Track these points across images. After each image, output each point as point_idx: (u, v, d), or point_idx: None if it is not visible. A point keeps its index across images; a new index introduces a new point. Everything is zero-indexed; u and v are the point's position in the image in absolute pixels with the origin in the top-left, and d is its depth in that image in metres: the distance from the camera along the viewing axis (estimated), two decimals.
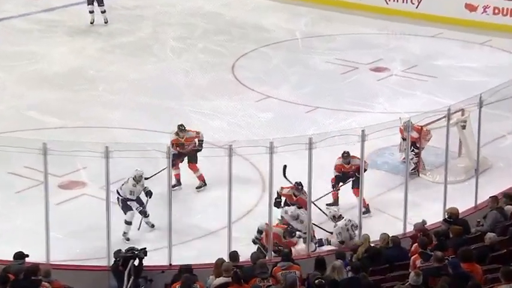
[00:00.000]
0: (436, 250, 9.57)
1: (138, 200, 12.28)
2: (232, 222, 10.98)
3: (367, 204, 12.68)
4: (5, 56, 19.02)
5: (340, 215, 11.78)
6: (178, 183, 13.35)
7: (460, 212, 11.18)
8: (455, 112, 13.31)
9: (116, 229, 11.00)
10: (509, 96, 13.34)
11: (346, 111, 16.36)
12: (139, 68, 18.54)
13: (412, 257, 9.85)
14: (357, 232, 11.49)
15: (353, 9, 22.60)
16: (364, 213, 12.04)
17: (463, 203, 12.01)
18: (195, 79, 18.09)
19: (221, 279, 9.40)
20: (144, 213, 12.30)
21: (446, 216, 10.99)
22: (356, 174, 12.63)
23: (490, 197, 11.41)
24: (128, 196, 12.19)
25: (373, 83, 18.11)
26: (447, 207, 11.47)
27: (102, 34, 20.57)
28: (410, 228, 11.46)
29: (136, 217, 12.24)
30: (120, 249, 10.48)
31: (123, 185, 12.27)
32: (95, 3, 20.77)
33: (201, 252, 11.43)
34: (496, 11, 21.30)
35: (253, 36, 20.79)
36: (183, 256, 10.89)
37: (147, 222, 12.38)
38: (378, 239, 10.54)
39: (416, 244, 10.21)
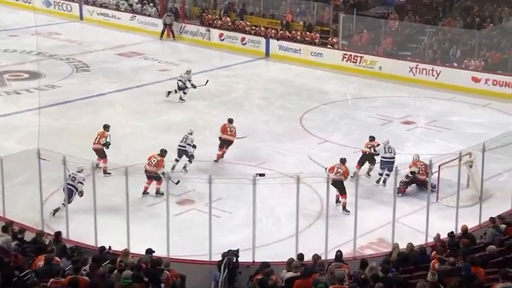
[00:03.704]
0: (450, 257, 9.35)
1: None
2: (299, 231, 10.95)
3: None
4: (143, 111, 19.25)
5: None
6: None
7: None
8: (465, 155, 13.05)
9: (216, 234, 11.02)
10: (505, 144, 13.05)
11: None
12: (234, 119, 18.58)
13: (432, 261, 9.63)
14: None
15: (389, 79, 22.40)
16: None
17: (470, 222, 11.68)
18: (274, 127, 18.17)
19: (291, 274, 9.36)
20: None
21: (449, 232, 10.76)
22: None
23: (489, 218, 11.13)
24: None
25: (403, 132, 17.85)
26: (459, 225, 11.23)
27: (208, 95, 20.86)
28: (430, 240, 11.23)
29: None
30: (228, 250, 10.45)
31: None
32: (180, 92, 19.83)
33: (276, 253, 11.37)
34: (495, 82, 20.87)
35: (316, 97, 20.77)
36: (263, 255, 10.88)
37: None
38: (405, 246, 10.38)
39: (435, 251, 9.99)
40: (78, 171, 12.86)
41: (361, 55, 23.46)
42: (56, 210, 12.61)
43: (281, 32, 25.71)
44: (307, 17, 26.77)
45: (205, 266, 10.77)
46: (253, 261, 10.76)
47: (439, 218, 12.50)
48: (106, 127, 15.13)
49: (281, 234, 12.25)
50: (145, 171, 13.61)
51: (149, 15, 29.09)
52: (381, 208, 12.93)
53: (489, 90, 20.75)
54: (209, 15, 28.01)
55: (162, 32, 27.70)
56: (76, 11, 30.69)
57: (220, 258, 10.43)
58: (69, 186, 12.61)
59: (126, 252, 9.97)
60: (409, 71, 22.33)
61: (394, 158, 14.50)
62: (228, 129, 16.03)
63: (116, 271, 9.07)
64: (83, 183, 12.83)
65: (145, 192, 13.80)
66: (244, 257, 10.78)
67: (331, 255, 10.38)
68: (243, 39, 26.18)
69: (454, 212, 11.85)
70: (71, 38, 27.25)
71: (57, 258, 9.44)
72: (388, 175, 14.19)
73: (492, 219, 10.97)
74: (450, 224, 11.66)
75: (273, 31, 25.88)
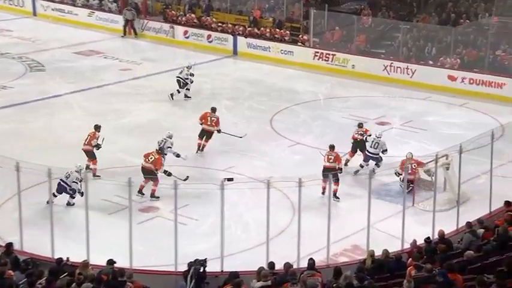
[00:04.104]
0: (427, 263, 9.48)
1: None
2: (270, 239, 10.98)
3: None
4: (102, 113, 19.08)
5: None
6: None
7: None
8: (441, 157, 13.26)
9: (182, 243, 10.99)
10: (482, 145, 13.27)
11: (357, 155, 16.29)
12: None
13: (408, 268, 9.75)
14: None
15: (362, 78, 22.63)
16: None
17: (447, 226, 11.85)
18: (242, 129, 18.14)
19: (262, 283, 9.39)
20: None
21: (426, 237, 10.92)
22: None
23: (466, 223, 11.32)
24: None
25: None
26: (436, 230, 11.39)
27: (174, 95, 20.81)
28: (406, 246, 11.36)
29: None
30: (195, 260, 10.48)
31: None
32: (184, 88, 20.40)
33: (245, 262, 11.39)
34: (471, 81, 21.20)
35: (286, 97, 20.87)
36: (232, 265, 10.89)
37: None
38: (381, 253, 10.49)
39: (411, 258, 10.12)
40: (76, 171, 13.32)
41: (333, 53, 23.65)
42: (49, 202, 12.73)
43: (249, 29, 25.76)
44: (277, 13, 26.87)
45: (170, 277, 10.73)
46: (222, 271, 10.76)
47: (416, 223, 12.68)
48: (97, 128, 15.26)
49: (251, 242, 12.28)
50: (142, 168, 13.90)
51: (109, 11, 28.86)
52: (355, 213, 13.03)
53: (465, 89, 21.10)
54: (173, 11, 27.91)
55: (124, 28, 27.53)
56: (29, 6, 30.27)
57: (186, 268, 10.40)
58: (62, 183, 13.03)
59: (85, 264, 9.89)
60: (383, 70, 22.58)
61: (378, 154, 15.17)
62: (209, 118, 16.29)
63: (74, 284, 8.98)
64: (77, 183, 13.24)
65: (140, 192, 13.95)
66: (212, 267, 10.76)
67: (304, 264, 10.44)
68: (209, 36, 26.17)
69: (431, 217, 12.01)
70: (24, 35, 26.89)
71: (10, 271, 9.30)
72: (378, 165, 15.07)
73: (469, 224, 11.16)
74: (427, 229, 11.82)
75: (240, 28, 25.91)
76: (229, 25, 26.24)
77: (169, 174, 14.01)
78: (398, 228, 11.80)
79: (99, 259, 10.38)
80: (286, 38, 25.02)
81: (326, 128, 18.35)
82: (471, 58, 22.03)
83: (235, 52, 25.54)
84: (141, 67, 23.74)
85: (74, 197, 13.41)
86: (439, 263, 9.58)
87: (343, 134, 17.66)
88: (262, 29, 25.60)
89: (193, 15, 27.37)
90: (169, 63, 24.12)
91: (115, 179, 11.11)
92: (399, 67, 22.37)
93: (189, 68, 20.32)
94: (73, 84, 21.60)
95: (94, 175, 14.67)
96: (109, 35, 27.57)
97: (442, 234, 10.91)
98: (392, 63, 22.52)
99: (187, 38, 26.64)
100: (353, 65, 23.21)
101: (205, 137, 16.24)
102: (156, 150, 14.41)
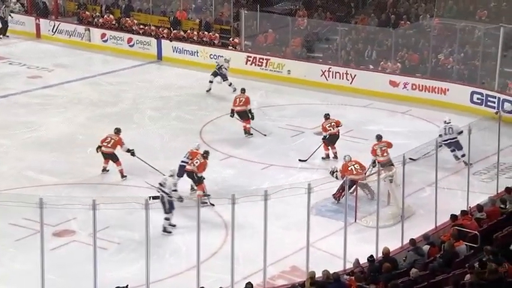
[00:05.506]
0: (370, 284, 9.64)
1: None
2: (201, 262, 10.95)
3: None
4: (8, 126, 18.82)
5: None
6: None
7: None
8: (383, 168, 13.51)
9: (103, 270, 10.81)
10: (426, 155, 13.62)
11: (294, 167, 16.49)
12: (122, 134, 18.43)
13: None
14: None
15: (299, 84, 22.92)
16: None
17: (392, 243, 12.09)
18: (169, 142, 18.09)
19: None
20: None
21: (369, 256, 11.12)
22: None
23: (409, 239, 11.60)
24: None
25: (317, 144, 18.22)
26: (380, 247, 11.59)
27: (90, 105, 20.55)
28: (349, 265, 11.52)
29: None
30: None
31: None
32: (219, 78, 21.67)
33: None
34: (414, 86, 21.74)
35: (217, 106, 20.90)
36: None
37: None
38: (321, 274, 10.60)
39: (353, 278, 10.27)
40: (171, 175, 13.70)
41: (267, 57, 23.88)
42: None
43: (175, 31, 25.71)
44: (206, 13, 26.93)
45: None
46: None
47: (358, 240, 12.89)
48: (119, 131, 16.14)
49: (180, 266, 12.22)
50: (184, 170, 14.66)
51: (12, 12, 28.19)
52: (293, 231, 13.13)
53: (408, 95, 21.65)
54: (87, 12, 27.61)
55: (5, 29, 27.01)
56: None
57: None
58: (160, 193, 13.35)
59: None
60: (321, 75, 22.93)
61: (456, 137, 16.19)
62: (237, 100, 18.41)
63: None
64: (176, 190, 13.48)
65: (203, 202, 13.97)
66: None
67: None
68: (129, 40, 25.99)
69: (374, 233, 12.23)
70: None
71: None
72: (463, 155, 15.88)
73: (412, 241, 11.42)
74: (370, 246, 12.02)
75: (165, 31, 25.85)
76: (152, 27, 26.14)
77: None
78: (340, 247, 11.96)
79: None
80: (216, 42, 25.12)
81: (261, 139, 18.47)
82: (413, 62, 22.65)
83: (159, 57, 25.44)
84: (53, 74, 23.33)
85: (169, 217, 13.28)
86: (383, 284, 9.76)
87: (279, 144, 17.85)
88: (188, 31, 25.61)
89: (111, 16, 27.16)
90: (85, 70, 23.81)
91: (23, 200, 10.81)
92: (338, 72, 22.76)
93: (226, 61, 21.75)
94: None
95: (122, 175, 15.57)
96: (14, 38, 27.00)
97: (386, 252, 11.13)
98: (330, 68, 22.91)
99: (105, 41, 26.38)
100: (289, 71, 23.49)
101: (239, 117, 18.07)
102: (202, 154, 14.79)
